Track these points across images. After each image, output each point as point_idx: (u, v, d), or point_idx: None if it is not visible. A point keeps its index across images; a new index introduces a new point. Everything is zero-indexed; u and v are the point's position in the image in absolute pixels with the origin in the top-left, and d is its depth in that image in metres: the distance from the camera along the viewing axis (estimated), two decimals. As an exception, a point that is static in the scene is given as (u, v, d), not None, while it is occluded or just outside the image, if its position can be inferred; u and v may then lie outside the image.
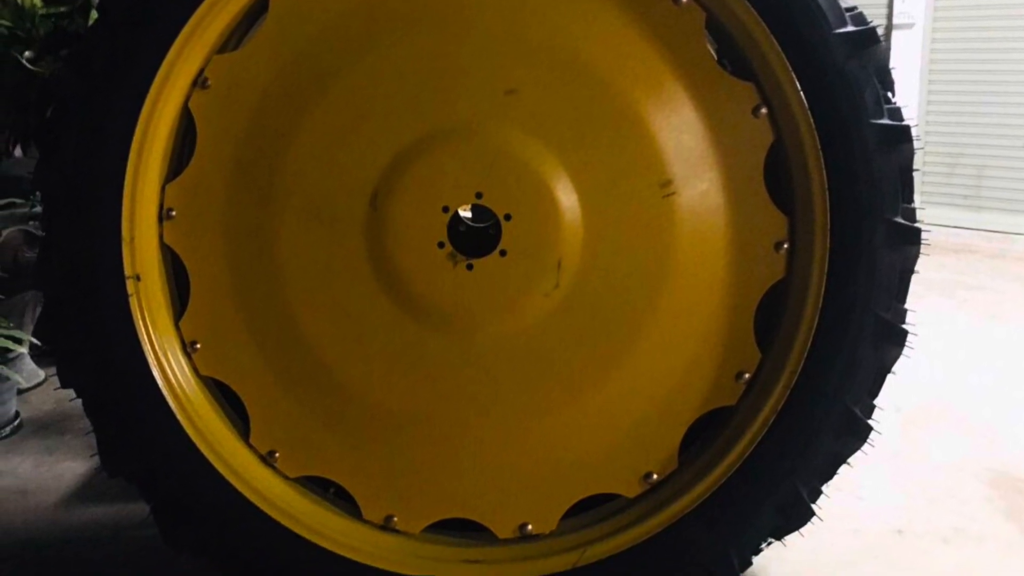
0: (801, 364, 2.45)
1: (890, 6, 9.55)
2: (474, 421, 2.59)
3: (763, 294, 2.52)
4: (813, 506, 2.55)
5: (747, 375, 2.54)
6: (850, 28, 2.36)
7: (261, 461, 2.66)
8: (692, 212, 2.48)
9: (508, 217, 2.47)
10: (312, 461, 2.66)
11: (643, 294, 2.51)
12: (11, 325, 4.32)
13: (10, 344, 4.15)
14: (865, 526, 3.47)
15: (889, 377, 2.52)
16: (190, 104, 2.56)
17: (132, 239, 2.53)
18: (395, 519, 2.64)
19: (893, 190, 2.38)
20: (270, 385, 2.64)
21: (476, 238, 2.65)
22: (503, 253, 2.47)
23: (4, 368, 4.25)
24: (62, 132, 2.52)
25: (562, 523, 2.63)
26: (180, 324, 2.62)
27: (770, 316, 2.55)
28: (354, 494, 2.65)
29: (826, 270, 2.41)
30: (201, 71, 2.55)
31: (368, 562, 2.61)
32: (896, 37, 9.44)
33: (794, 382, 2.46)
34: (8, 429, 4.42)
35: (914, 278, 2.49)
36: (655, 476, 2.59)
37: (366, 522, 2.66)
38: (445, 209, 2.48)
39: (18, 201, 4.93)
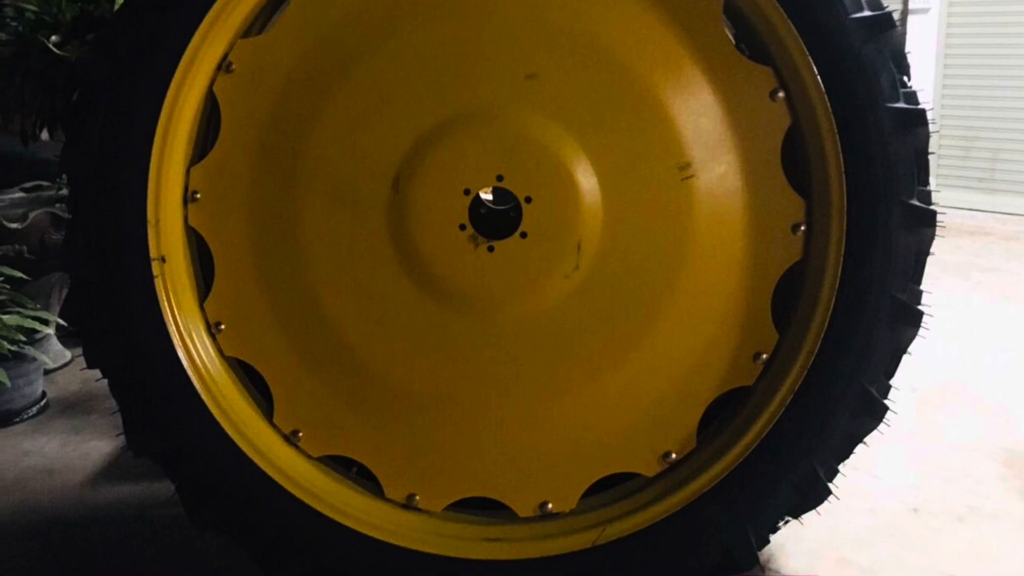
0: (818, 345, 2.47)
1: (906, -9, 9.54)
2: (495, 401, 2.62)
3: (780, 276, 2.54)
4: (830, 485, 2.57)
5: (764, 356, 2.56)
6: (866, 13, 2.38)
7: (284, 440, 2.69)
8: (710, 195, 2.50)
9: (529, 199, 2.49)
10: (335, 440, 2.69)
11: (662, 276, 2.53)
12: (38, 306, 4.35)
13: (37, 325, 4.18)
14: (881, 505, 3.49)
15: (905, 357, 2.54)
16: (215, 88, 2.58)
17: (157, 221, 2.55)
18: (417, 498, 2.66)
19: (909, 173, 2.40)
20: (294, 366, 2.66)
21: (497, 220, 2.68)
22: (524, 235, 2.50)
23: (31, 349, 4.28)
24: (88, 116, 2.55)
25: (582, 502, 2.66)
26: (205, 305, 2.65)
27: (787, 297, 2.57)
28: (376, 473, 2.67)
29: (843, 252, 2.43)
30: (225, 55, 2.58)
31: (390, 540, 2.64)
32: (912, 22, 9.43)
33: (811, 363, 2.48)
34: (35, 409, 4.46)
35: (930, 260, 2.50)
36: (674, 455, 2.61)
37: (388, 501, 2.68)
38: (467, 192, 2.50)
39: (45, 184, 4.97)
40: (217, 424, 2.62)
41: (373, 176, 2.54)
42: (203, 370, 2.63)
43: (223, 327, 2.65)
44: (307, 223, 2.59)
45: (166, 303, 2.58)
